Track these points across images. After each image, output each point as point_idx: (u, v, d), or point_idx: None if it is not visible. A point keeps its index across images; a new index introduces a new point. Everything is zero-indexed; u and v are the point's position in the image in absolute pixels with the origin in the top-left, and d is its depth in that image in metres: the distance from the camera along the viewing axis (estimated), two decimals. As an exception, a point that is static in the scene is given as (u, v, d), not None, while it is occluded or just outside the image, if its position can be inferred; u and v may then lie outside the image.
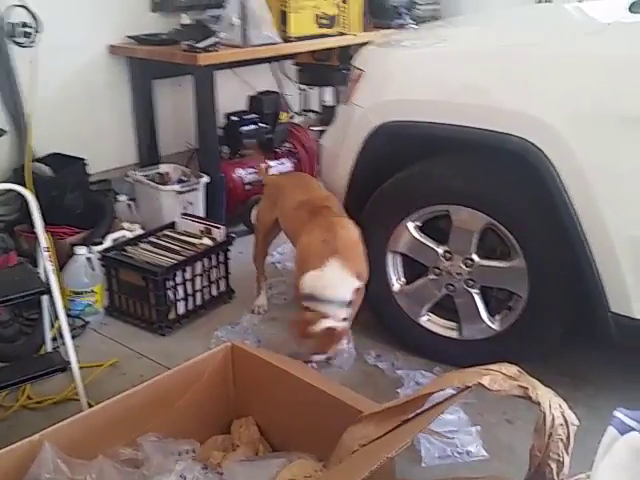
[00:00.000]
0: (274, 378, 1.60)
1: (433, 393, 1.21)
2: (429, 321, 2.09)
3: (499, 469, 1.63)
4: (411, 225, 2.01)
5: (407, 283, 2.10)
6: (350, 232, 1.94)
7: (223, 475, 1.42)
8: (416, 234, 2.01)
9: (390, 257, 2.08)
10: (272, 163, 3.23)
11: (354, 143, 2.09)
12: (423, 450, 1.68)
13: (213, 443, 1.62)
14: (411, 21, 3.55)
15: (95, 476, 1.35)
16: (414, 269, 2.08)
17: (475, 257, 1.93)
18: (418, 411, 1.22)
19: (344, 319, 1.88)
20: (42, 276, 1.80)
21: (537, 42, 1.83)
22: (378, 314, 2.20)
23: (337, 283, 1.84)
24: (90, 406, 1.75)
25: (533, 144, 1.70)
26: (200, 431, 1.59)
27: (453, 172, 1.91)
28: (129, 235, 2.60)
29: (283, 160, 3.32)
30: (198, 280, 2.42)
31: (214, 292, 2.50)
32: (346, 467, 1.23)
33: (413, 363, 2.09)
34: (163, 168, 3.04)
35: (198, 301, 2.42)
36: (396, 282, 2.10)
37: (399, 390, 1.94)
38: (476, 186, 1.87)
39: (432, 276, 2.02)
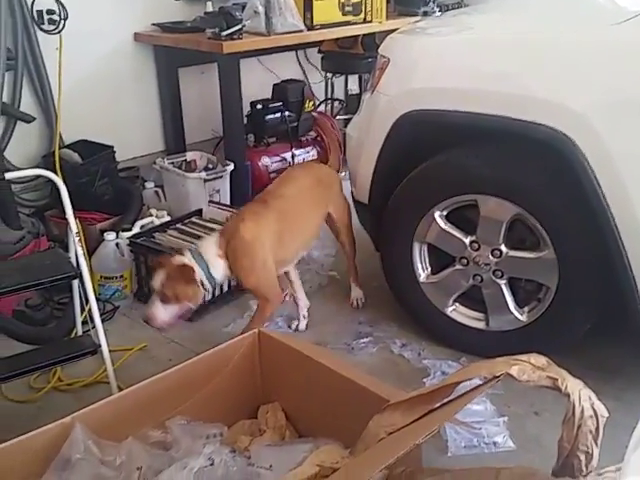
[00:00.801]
0: (300, 365, 1.61)
1: (460, 382, 1.20)
2: (455, 311, 2.07)
3: (526, 460, 1.61)
4: (438, 215, 1.99)
5: (433, 273, 2.09)
6: (237, 230, 1.96)
7: (250, 459, 1.44)
8: (443, 224, 2.00)
9: (417, 247, 2.07)
10: (297, 152, 3.23)
11: (379, 132, 2.07)
12: (449, 440, 1.68)
13: (240, 427, 1.64)
14: (436, 8, 3.51)
15: (125, 457, 1.37)
16: (441, 259, 2.07)
17: (503, 248, 1.91)
18: (445, 400, 1.21)
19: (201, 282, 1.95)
20: (73, 261, 1.83)
21: (566, 30, 1.79)
22: (404, 304, 2.19)
23: (201, 244, 2.01)
24: (120, 389, 1.78)
25: (563, 133, 1.67)
26: (227, 416, 1.61)
27: (481, 161, 1.88)
28: (157, 222, 2.62)
29: (308, 149, 3.32)
30: (225, 267, 2.44)
31: (240, 279, 2.52)
32: (373, 453, 1.24)
33: (439, 353, 2.08)
34: (190, 156, 3.06)
35: (225, 287, 2.44)
36: (422, 272, 2.09)
37: (425, 380, 1.94)
38: (504, 175, 1.84)
39: (459, 266, 2.00)
